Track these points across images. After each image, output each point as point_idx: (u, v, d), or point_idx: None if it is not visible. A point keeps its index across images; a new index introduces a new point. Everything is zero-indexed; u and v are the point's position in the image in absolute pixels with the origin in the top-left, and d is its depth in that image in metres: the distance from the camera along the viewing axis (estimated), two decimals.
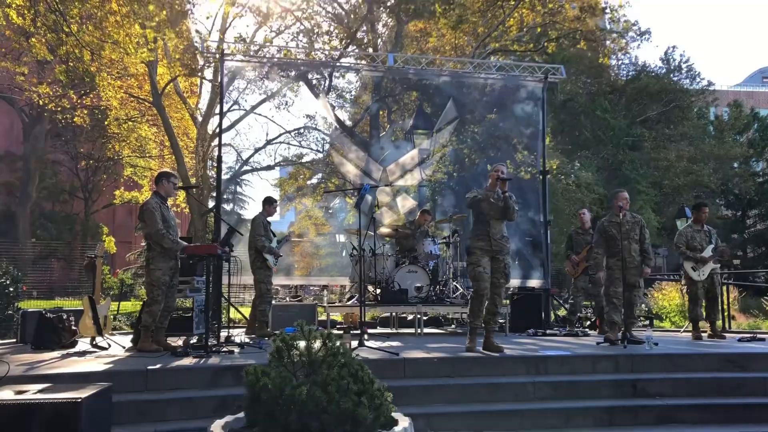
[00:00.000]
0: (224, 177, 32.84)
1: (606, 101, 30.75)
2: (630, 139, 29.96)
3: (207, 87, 21.97)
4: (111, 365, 5.44)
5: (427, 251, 9.32)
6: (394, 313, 9.92)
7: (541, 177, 11.09)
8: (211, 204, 28.34)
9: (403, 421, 3.55)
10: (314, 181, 22.45)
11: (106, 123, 23.47)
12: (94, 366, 5.37)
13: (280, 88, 18.96)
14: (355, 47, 17.20)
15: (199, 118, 21.64)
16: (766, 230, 39.59)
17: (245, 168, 24.46)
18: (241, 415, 3.84)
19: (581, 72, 31.13)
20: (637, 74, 30.64)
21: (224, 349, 6.40)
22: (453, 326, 10.44)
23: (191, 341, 6.81)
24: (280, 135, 20.40)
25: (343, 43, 17.69)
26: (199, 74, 19.92)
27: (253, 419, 3.58)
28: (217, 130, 22.53)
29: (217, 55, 10.73)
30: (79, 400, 3.23)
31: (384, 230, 9.70)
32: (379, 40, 18.79)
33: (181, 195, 20.63)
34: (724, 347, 6.89)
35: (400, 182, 11.58)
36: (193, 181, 21.42)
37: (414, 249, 9.37)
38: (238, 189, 39.46)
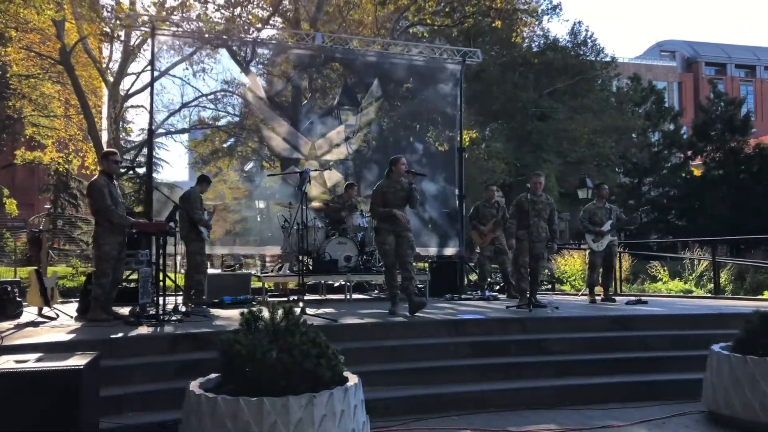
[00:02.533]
0: (136, 138, 32.11)
1: (516, 74, 32.17)
2: (539, 110, 31.52)
3: (117, 45, 21.32)
4: (74, 335, 5.88)
5: (355, 224, 10.03)
6: (322, 281, 10.59)
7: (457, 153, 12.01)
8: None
9: (353, 378, 4.28)
10: (230, 143, 22.49)
11: (8, 77, 22.57)
12: (60, 336, 5.80)
13: (193, 52, 18.88)
14: (278, 18, 17.46)
15: (110, 78, 21.16)
16: (659, 197, 42.57)
17: (159, 130, 24.22)
18: (213, 376, 4.48)
19: (494, 43, 32.36)
20: (546, 48, 32.07)
21: (173, 318, 6.91)
22: (376, 292, 11.23)
23: (136, 311, 7.28)
24: (196, 98, 20.43)
25: (266, 13, 17.87)
26: (117, 38, 19.50)
27: (227, 379, 4.22)
28: (130, 92, 22.26)
29: (146, 29, 10.86)
30: (81, 367, 3.74)
31: (315, 204, 10.32)
32: (303, 10, 19.06)
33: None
34: (613, 310, 8.01)
35: (328, 156, 12.16)
36: (104, 142, 21.07)
37: (343, 221, 10.05)
38: (153, 152, 38.51)
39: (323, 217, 10.37)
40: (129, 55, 20.48)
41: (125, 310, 7.46)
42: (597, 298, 9.22)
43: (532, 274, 8.17)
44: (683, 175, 42.68)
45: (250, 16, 17.96)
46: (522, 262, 8.25)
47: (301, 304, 6.94)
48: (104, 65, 21.85)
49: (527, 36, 31.68)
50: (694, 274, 12.67)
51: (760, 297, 10.56)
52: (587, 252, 9.39)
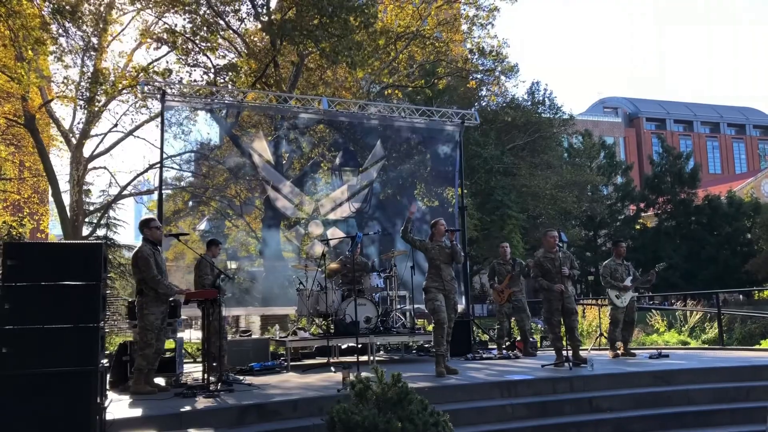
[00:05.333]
0: (97, 200, 31.39)
1: (477, 133, 33.12)
2: (501, 167, 32.35)
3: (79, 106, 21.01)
4: (135, 410, 5.68)
5: (373, 284, 10.05)
6: (335, 344, 10.49)
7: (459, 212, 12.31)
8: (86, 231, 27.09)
9: None
10: (192, 203, 22.26)
11: None
12: (123, 411, 5.59)
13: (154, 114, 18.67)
14: (258, 84, 17.69)
15: (73, 141, 20.82)
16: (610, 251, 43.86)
17: (125, 192, 23.83)
18: None
19: (453, 102, 33.37)
20: (507, 106, 33.17)
21: (219, 388, 6.75)
22: (386, 354, 11.17)
23: (180, 382, 7.09)
24: (169, 158, 20.23)
25: (250, 78, 18.09)
26: (93, 102, 19.30)
27: None
28: (94, 153, 21.83)
29: (158, 96, 10.88)
30: None
31: (333, 266, 10.30)
32: (283, 72, 19.37)
33: None
34: (650, 365, 8.18)
35: (331, 215, 12.24)
36: (67, 207, 20.57)
37: (359, 282, 10.05)
38: (111, 213, 37.72)
39: (337, 278, 10.36)
40: (94, 117, 20.29)
41: (161, 381, 7.24)
42: (618, 352, 9.41)
43: (568, 331, 8.32)
44: (636, 226, 44.24)
45: (234, 82, 18.21)
46: (556, 321, 8.41)
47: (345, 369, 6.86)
48: (68, 127, 21.43)
49: (486, 95, 32.81)
50: (687, 326, 13.07)
51: (766, 348, 10.94)
52: (609, 308, 9.63)
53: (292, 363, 9.20)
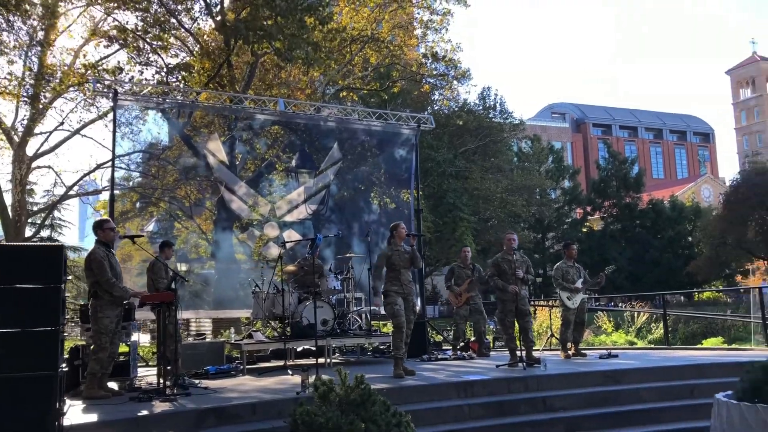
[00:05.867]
0: (41, 200, 30.45)
1: (430, 136, 33.41)
2: (454, 170, 32.72)
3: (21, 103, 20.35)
4: (91, 415, 5.56)
5: (330, 287, 10.04)
6: (291, 346, 10.44)
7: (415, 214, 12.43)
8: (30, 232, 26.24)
9: None
10: (140, 204, 21.84)
11: None
12: (86, 417, 5.46)
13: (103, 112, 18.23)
14: (211, 84, 17.49)
15: (16, 139, 20.17)
16: (562, 251, 44.87)
17: (70, 193, 23.16)
18: None
19: (406, 106, 33.58)
20: (459, 110, 33.55)
21: (176, 391, 6.66)
22: (341, 356, 11.18)
23: (131, 385, 6.96)
24: (118, 158, 19.79)
25: (203, 78, 17.87)
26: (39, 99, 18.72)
27: None
28: (38, 152, 21.16)
29: (109, 94, 10.67)
30: None
31: (290, 268, 10.26)
32: (237, 73, 19.20)
33: None
34: (601, 365, 8.41)
35: (287, 217, 12.17)
36: (8, 207, 19.92)
37: (316, 284, 10.04)
38: (56, 214, 36.66)
39: (294, 281, 10.32)
40: (39, 114, 19.70)
41: (114, 386, 7.11)
42: (569, 353, 9.64)
43: (522, 332, 8.50)
44: (583, 229, 45.33)
45: (188, 82, 17.94)
46: (509, 322, 8.58)
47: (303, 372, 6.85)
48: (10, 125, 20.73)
49: (439, 99, 33.14)
50: (634, 326, 13.49)
51: (709, 347, 11.37)
52: (561, 309, 9.85)
53: (247, 366, 9.13)
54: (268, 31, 14.97)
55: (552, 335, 11.27)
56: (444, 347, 11.54)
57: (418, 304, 11.49)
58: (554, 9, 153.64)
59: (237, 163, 12.20)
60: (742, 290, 27.15)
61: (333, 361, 9.49)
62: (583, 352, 9.85)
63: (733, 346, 11.95)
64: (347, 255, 10.86)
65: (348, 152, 12.62)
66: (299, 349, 11.02)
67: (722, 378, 7.37)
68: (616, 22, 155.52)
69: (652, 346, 12.38)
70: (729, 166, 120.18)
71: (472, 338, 10.96)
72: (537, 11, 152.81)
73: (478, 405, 6.74)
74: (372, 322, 11.31)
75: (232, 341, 9.94)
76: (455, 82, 25.05)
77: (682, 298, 39.04)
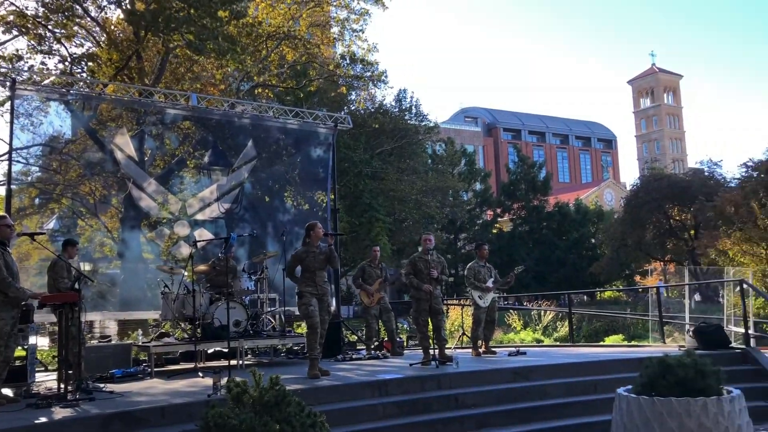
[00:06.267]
0: None
1: (347, 136, 33.41)
2: (370, 171, 32.85)
3: None
4: None
5: (243, 287, 9.86)
6: (202, 348, 10.18)
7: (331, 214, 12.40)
8: None
9: None
10: (39, 200, 20.79)
11: None
12: None
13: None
14: (119, 76, 16.83)
15: None
16: (474, 251, 45.95)
17: None
18: None
19: (323, 105, 33.44)
20: (375, 111, 33.70)
21: (78, 396, 6.34)
22: (254, 357, 10.99)
23: (28, 391, 6.58)
24: (16, 150, 18.71)
25: (111, 69, 17.15)
26: None
27: None
28: None
29: (7, 83, 10.07)
30: None
31: (201, 268, 9.99)
32: (147, 65, 18.55)
33: None
34: (510, 362, 8.65)
35: (199, 216, 11.85)
36: None
37: (229, 285, 9.82)
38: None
39: (206, 281, 10.07)
40: None
41: (9, 392, 6.70)
42: (480, 351, 9.86)
43: (435, 330, 8.62)
44: (494, 231, 46.56)
45: (93, 74, 17.17)
46: (423, 321, 8.69)
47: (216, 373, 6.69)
48: None
49: (355, 99, 33.19)
50: (541, 325, 13.97)
51: (611, 344, 11.91)
52: (472, 308, 10.06)
53: (156, 369, 8.83)
54: (179, 22, 14.50)
55: (464, 333, 11.50)
56: (358, 347, 11.56)
57: (333, 304, 11.47)
58: (468, 15, 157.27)
59: (146, 159, 11.77)
60: (640, 290, 28.63)
61: (246, 362, 9.31)
62: (493, 349, 10.11)
63: (633, 342, 12.58)
64: (262, 255, 10.69)
65: (263, 150, 12.42)
66: (210, 351, 10.76)
67: (623, 373, 7.74)
68: (527, 28, 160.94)
69: (558, 343, 12.86)
70: (630, 172, 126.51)
71: (386, 337, 11.03)
72: (452, 16, 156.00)
73: (392, 404, 6.80)
74: (286, 323, 11.18)
75: (140, 343, 9.59)
76: (372, 83, 25.12)
77: (585, 297, 40.74)
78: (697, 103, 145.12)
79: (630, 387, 6.37)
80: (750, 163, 26.55)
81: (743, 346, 9.12)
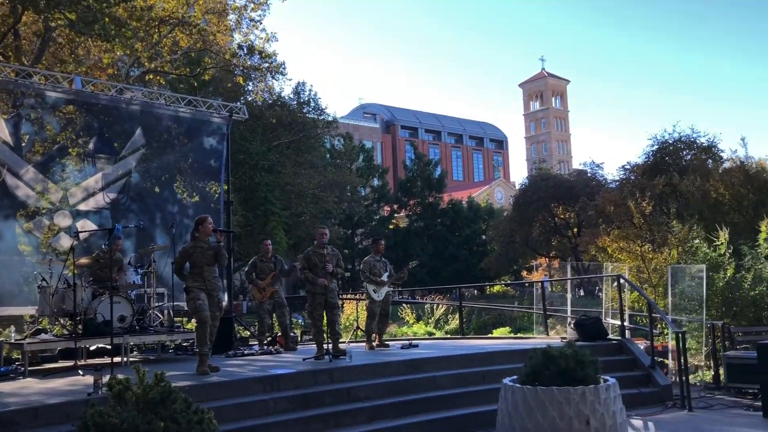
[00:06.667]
0: None
1: (243, 128, 32.73)
2: (267, 163, 32.34)
3: None
4: None
5: (129, 281, 9.44)
6: (84, 345, 9.67)
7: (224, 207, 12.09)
8: None
9: None
10: None
11: None
12: None
13: None
14: None
15: None
16: (369, 247, 46.33)
17: None
18: None
19: (218, 95, 32.58)
20: (273, 104, 33.21)
21: None
22: (141, 354, 10.57)
23: None
24: None
25: None
26: None
27: None
28: None
29: None
30: None
31: (83, 261, 9.46)
32: (25, 44, 17.39)
33: None
34: (402, 355, 8.77)
35: (82, 206, 11.21)
36: None
37: (114, 279, 9.37)
38: None
39: (89, 274, 9.56)
40: None
41: None
42: (374, 344, 9.94)
43: (330, 324, 8.59)
44: (390, 226, 47.17)
45: None
46: (318, 315, 8.64)
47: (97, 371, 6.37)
48: None
49: (252, 90, 32.57)
50: (433, 318, 14.28)
51: (498, 336, 12.34)
52: (367, 301, 10.10)
53: (30, 368, 8.28)
54: (61, 0, 13.60)
55: (358, 327, 11.56)
56: (251, 343, 11.35)
57: (225, 299, 11.20)
58: (366, 8, 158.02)
59: (23, 144, 10.99)
60: (527, 284, 29.88)
61: (131, 360, 8.91)
62: (387, 343, 10.22)
63: (519, 335, 13.13)
64: (150, 248, 10.27)
65: (153, 139, 11.90)
66: (92, 348, 10.25)
67: (509, 364, 8.05)
68: (425, 26, 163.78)
69: (449, 336, 13.19)
70: (519, 171, 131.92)
71: (279, 333, 10.90)
72: (352, 10, 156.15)
73: (283, 398, 6.73)
74: (175, 318, 10.82)
75: (12, 341, 8.97)
76: (270, 75, 24.72)
77: (476, 291, 42.06)
78: (582, 107, 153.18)
79: (515, 377, 6.62)
80: (628, 166, 28.47)
81: (619, 338, 9.69)
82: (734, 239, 10.75)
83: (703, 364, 10.15)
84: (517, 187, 49.47)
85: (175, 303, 10.36)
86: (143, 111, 11.67)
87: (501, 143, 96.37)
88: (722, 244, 10.62)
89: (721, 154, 24.73)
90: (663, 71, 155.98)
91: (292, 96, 35.83)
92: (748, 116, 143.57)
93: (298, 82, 35.41)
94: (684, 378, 7.96)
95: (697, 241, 11.03)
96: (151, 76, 21.43)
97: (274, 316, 10.79)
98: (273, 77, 24.43)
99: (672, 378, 9.03)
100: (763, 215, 11.76)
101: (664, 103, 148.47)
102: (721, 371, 9.13)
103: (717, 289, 10.27)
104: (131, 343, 9.11)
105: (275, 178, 32.29)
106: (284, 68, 28.93)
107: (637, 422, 7.08)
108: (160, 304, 10.21)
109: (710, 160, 23.83)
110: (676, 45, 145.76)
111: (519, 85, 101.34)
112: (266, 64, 23.29)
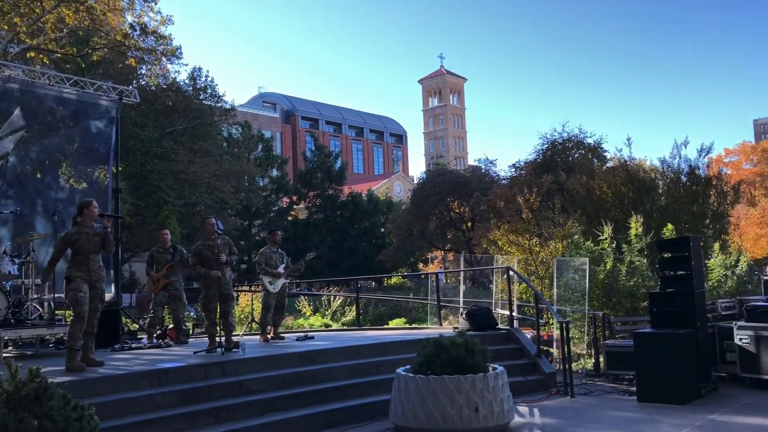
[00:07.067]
0: None
1: (135, 112, 31.35)
2: (159, 150, 31.17)
3: None
4: None
5: (4, 271, 8.83)
6: None
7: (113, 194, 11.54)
8: None
9: None
10: None
11: None
12: None
13: None
14: None
15: None
16: (266, 238, 45.81)
17: None
18: None
19: (108, 77, 31.03)
20: (167, 89, 32.02)
21: None
22: (16, 349, 9.92)
23: None
24: None
25: None
26: None
27: None
28: None
29: None
30: None
31: None
32: None
33: None
34: (297, 347, 8.69)
35: None
36: None
37: None
38: None
39: None
40: None
41: None
42: (269, 336, 9.79)
43: (223, 316, 8.38)
44: (289, 218, 46.76)
45: None
46: (212, 308, 8.42)
47: None
48: None
49: (145, 73, 31.26)
50: (330, 310, 14.27)
51: (394, 327, 12.49)
52: (262, 293, 9.93)
53: None
54: None
55: (253, 320, 11.37)
56: (139, 336, 10.91)
57: (110, 291, 10.71)
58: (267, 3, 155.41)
59: None
60: (423, 276, 30.47)
61: (5, 355, 8.33)
62: (282, 335, 10.11)
63: (414, 325, 13.35)
64: (28, 236, 9.62)
65: (34, 120, 11.14)
66: None
67: (404, 354, 8.16)
68: (327, 16, 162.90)
69: (346, 327, 13.22)
70: (418, 166, 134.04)
71: (171, 326, 10.54)
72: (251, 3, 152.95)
73: (171, 393, 6.51)
74: (57, 311, 10.21)
75: None
76: (164, 58, 23.77)
77: (374, 283, 42.51)
78: (479, 105, 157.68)
79: (408, 367, 6.74)
80: (518, 164, 29.73)
81: (508, 327, 10.05)
82: (615, 234, 11.38)
83: (585, 352, 10.70)
84: (416, 181, 50.31)
85: (56, 295, 9.79)
86: (23, 90, 10.89)
87: (401, 138, 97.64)
88: (606, 238, 11.22)
89: (605, 153, 26.22)
90: (559, 73, 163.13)
91: (188, 81, 34.70)
92: (637, 117, 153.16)
93: (195, 68, 34.25)
94: (567, 366, 8.36)
95: (577, 237, 11.60)
96: (32, 54, 20.07)
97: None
98: (168, 61, 23.47)
99: (556, 366, 9.46)
100: (641, 212, 12.54)
101: (558, 103, 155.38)
102: (602, 359, 9.65)
103: (598, 281, 10.85)
104: (6, 338, 8.52)
105: (168, 166, 31.20)
106: (180, 52, 28.04)
107: (523, 409, 7.36)
108: (38, 296, 9.60)
109: (595, 160, 25.17)
110: (572, 47, 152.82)
111: (418, 81, 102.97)
112: (161, 47, 22.35)
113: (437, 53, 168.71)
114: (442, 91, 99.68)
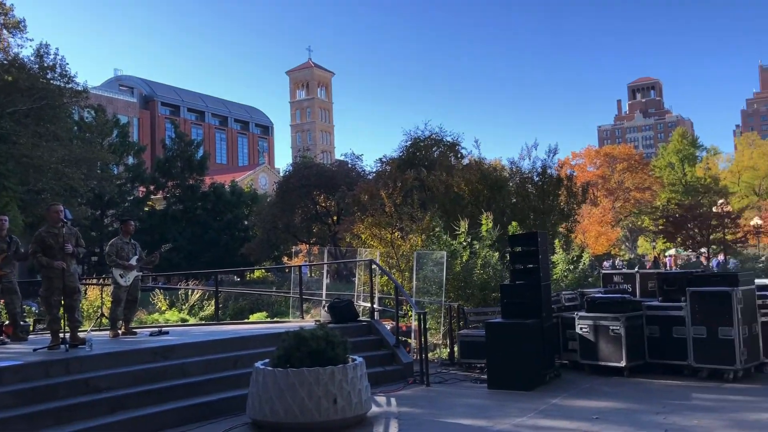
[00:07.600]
0: None
1: None
2: None
3: None
4: None
5: None
6: None
7: None
8: None
9: None
10: None
11: None
12: None
13: None
14: None
15: None
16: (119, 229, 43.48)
17: None
18: None
19: None
20: (9, 65, 29.39)
21: None
22: None
23: None
24: None
25: None
26: None
27: None
28: None
29: None
30: None
31: None
32: None
33: None
34: (151, 342, 8.30)
35: None
36: None
37: None
38: None
39: None
40: None
41: None
42: (119, 332, 9.29)
43: (68, 310, 7.82)
44: (146, 208, 44.63)
45: None
46: (54, 301, 7.82)
47: None
48: None
49: None
50: (188, 304, 13.77)
51: (255, 321, 12.26)
52: (112, 287, 9.38)
53: None
54: None
55: (102, 315, 10.75)
56: None
57: None
58: None
59: None
60: (286, 270, 30.18)
61: None
62: (134, 330, 9.64)
63: (276, 319, 13.19)
64: None
65: None
66: None
67: (263, 348, 8.04)
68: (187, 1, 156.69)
69: (204, 322, 12.83)
70: (284, 159, 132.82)
71: (6, 321, 9.70)
72: None
73: (7, 393, 6.04)
74: None
75: None
76: (5, 31, 21.81)
77: (236, 277, 41.56)
78: (347, 100, 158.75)
79: (267, 360, 6.65)
80: (384, 159, 30.23)
81: (369, 319, 10.21)
82: (471, 230, 11.87)
83: (441, 342, 11.08)
84: (282, 174, 49.74)
85: None
86: None
87: (267, 129, 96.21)
88: (463, 233, 11.68)
89: (462, 151, 27.28)
90: (428, 71, 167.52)
91: (33, 59, 31.96)
92: (490, 123, 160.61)
93: (42, 43, 31.38)
94: (423, 356, 8.61)
95: (438, 230, 11.99)
96: None
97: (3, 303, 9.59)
98: (10, 34, 21.58)
99: (414, 356, 9.73)
100: (493, 209, 13.18)
101: (423, 102, 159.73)
102: (456, 348, 10.04)
103: (454, 273, 11.27)
104: None
105: (9, 149, 28.75)
106: (24, 25, 25.99)
107: (381, 398, 7.50)
108: None
109: (453, 157, 26.10)
110: (443, 47, 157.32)
111: (286, 73, 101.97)
112: (1, 18, 20.50)
113: (305, 45, 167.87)
114: (310, 83, 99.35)
